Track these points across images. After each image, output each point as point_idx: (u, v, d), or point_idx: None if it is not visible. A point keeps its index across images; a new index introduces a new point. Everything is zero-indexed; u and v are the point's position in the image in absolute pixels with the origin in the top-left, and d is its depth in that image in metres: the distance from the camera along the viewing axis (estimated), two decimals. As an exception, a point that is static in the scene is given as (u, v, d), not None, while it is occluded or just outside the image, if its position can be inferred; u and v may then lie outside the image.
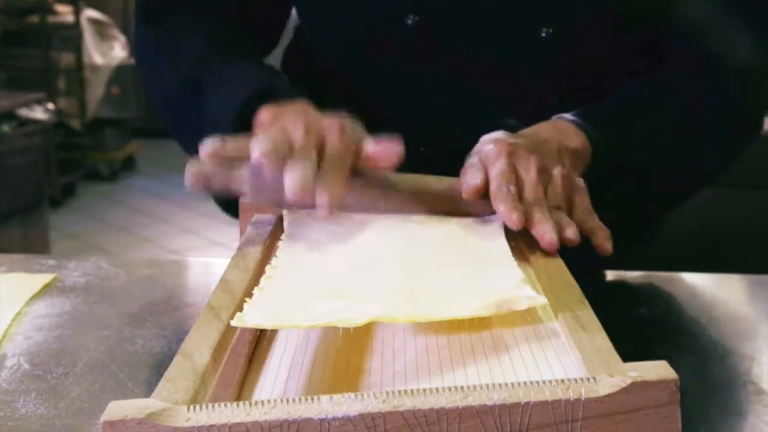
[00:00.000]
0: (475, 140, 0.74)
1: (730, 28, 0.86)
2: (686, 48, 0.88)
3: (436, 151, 0.87)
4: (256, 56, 0.89)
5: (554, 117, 0.82)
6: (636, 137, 0.84)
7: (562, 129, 0.79)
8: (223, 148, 0.65)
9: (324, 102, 0.74)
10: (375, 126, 0.75)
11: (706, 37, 0.86)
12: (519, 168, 0.69)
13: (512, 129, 0.76)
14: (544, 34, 0.85)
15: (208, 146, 0.65)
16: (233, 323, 0.50)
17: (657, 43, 0.91)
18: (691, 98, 0.86)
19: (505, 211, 0.65)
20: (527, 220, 0.65)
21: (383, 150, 0.67)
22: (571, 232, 0.66)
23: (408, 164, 0.74)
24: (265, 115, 0.71)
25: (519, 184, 0.68)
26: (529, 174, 0.69)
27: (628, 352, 0.47)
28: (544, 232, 0.64)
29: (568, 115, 0.81)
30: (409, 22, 0.86)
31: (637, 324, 0.77)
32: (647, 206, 0.94)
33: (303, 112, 0.70)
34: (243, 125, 0.72)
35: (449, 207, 0.72)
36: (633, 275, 0.88)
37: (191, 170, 0.65)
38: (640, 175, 0.84)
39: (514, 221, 0.64)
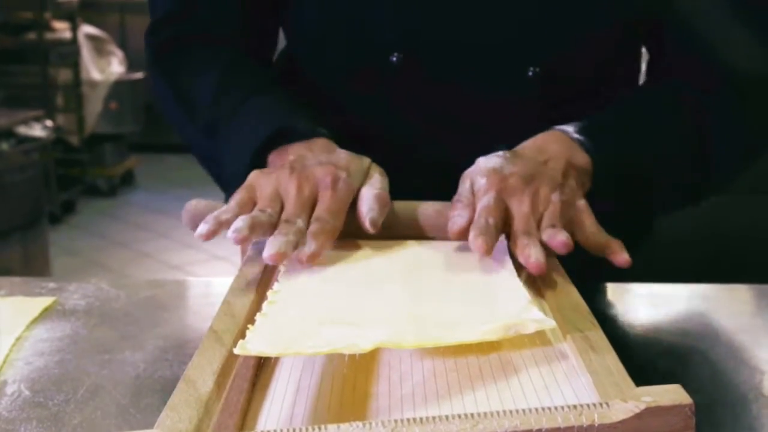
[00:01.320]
0: (463, 161, 0.74)
1: (737, 39, 0.85)
2: (692, 59, 0.87)
3: (422, 170, 0.86)
4: (267, 85, 0.89)
5: (555, 128, 0.80)
6: (639, 153, 0.83)
7: (567, 144, 0.78)
8: (216, 226, 0.66)
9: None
10: (361, 145, 0.76)
11: (713, 48, 0.86)
12: (511, 202, 0.68)
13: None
14: (530, 73, 0.84)
15: (203, 231, 0.65)
16: (236, 351, 0.49)
17: (644, 70, 0.92)
18: (697, 110, 0.85)
19: (472, 238, 0.64)
20: (514, 247, 0.65)
21: (363, 218, 0.69)
22: (562, 237, 0.65)
23: (395, 182, 0.73)
24: (273, 160, 0.78)
25: (509, 217, 0.68)
26: (522, 207, 0.68)
27: (635, 368, 0.46)
28: (529, 255, 0.63)
29: (570, 131, 0.79)
30: (394, 59, 0.86)
31: (643, 338, 0.76)
32: (651, 214, 0.93)
33: (300, 166, 0.71)
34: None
35: (438, 232, 0.71)
36: (638, 287, 0.87)
37: (189, 211, 0.72)
38: (644, 188, 0.83)
39: (479, 245, 0.63)
